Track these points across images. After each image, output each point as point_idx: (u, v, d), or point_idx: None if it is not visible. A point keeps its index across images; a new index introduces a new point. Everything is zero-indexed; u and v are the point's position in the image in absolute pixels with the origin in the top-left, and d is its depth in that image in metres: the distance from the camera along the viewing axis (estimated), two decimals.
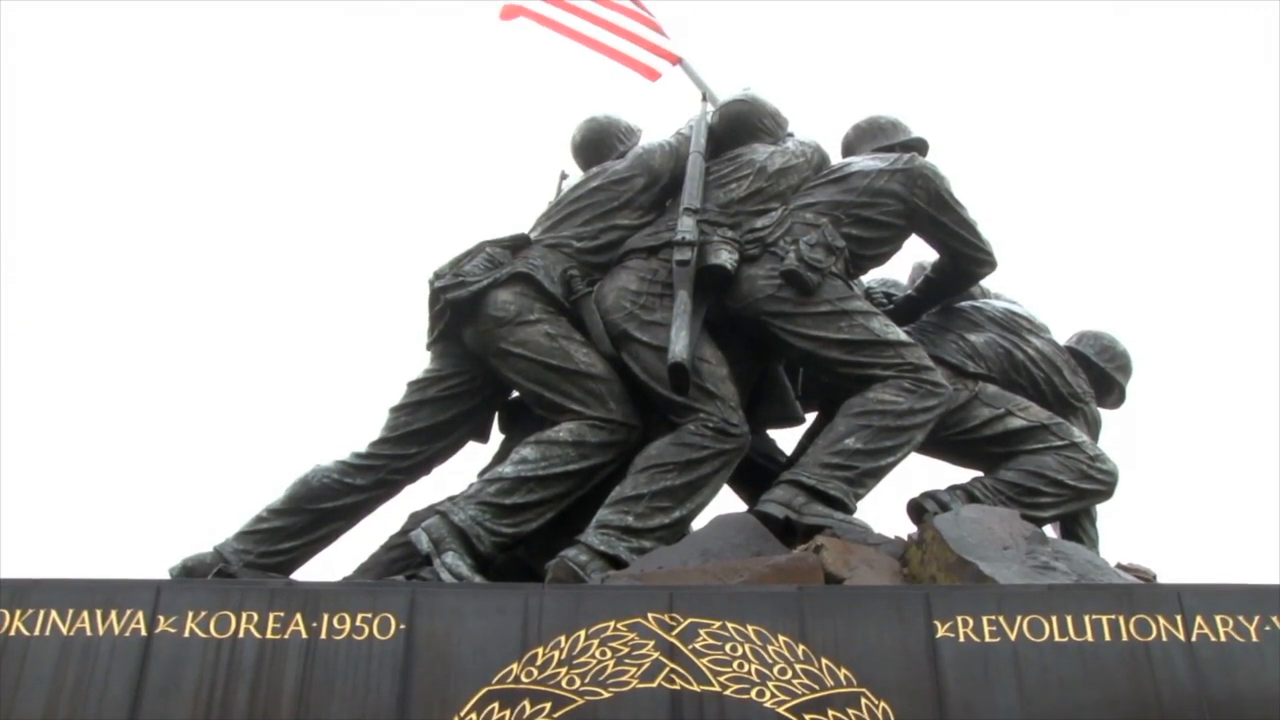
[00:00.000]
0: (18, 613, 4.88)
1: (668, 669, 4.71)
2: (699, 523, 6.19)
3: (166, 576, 6.15)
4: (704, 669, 4.71)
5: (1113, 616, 4.82)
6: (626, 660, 4.73)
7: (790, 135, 7.52)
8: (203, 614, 4.87)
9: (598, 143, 7.50)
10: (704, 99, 8.09)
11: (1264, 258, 16.51)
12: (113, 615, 4.87)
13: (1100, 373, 7.45)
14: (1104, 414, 7.40)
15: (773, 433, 7.36)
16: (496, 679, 4.71)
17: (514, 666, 4.73)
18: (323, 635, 4.82)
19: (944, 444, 6.78)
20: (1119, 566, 6.14)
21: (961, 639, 4.76)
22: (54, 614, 4.88)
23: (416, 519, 6.48)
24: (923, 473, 7.02)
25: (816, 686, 4.67)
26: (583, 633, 4.77)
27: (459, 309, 6.52)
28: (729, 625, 4.80)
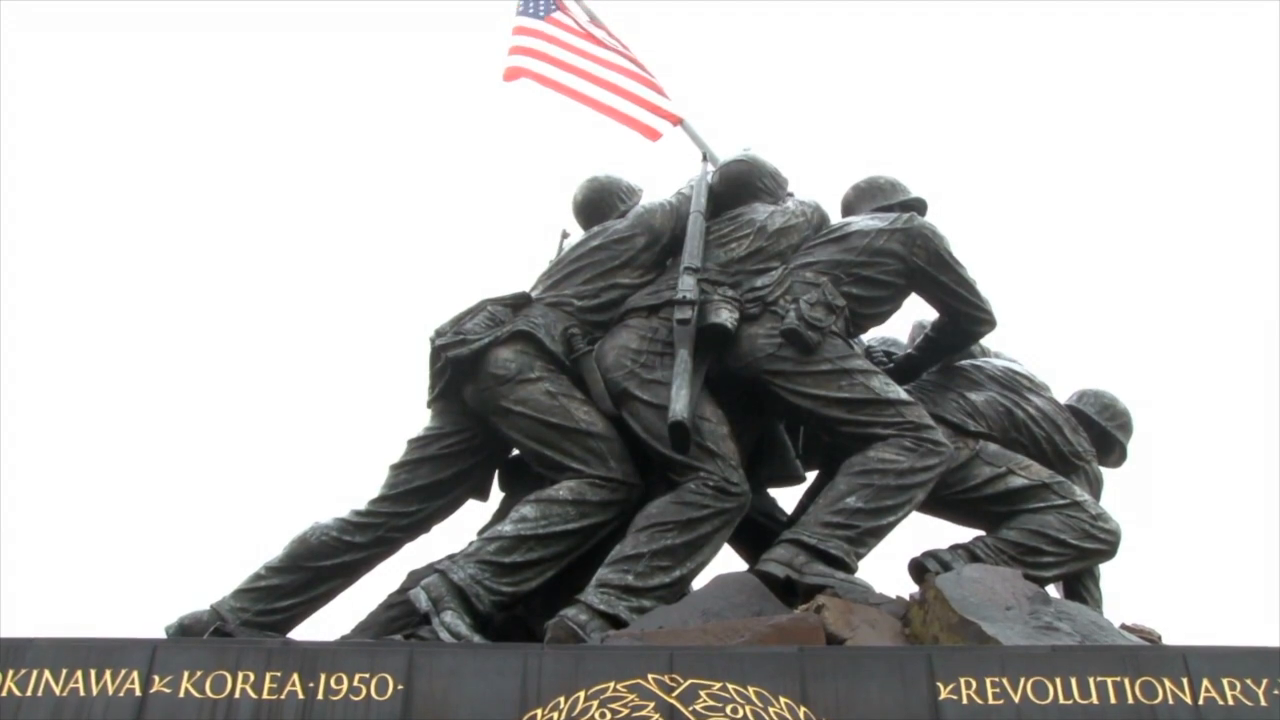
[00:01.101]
0: (10, 672, 4.83)
1: None
2: (699, 582, 6.14)
3: (162, 635, 6.11)
4: None
5: (1118, 679, 4.76)
6: None
7: (790, 195, 7.60)
8: (198, 674, 4.82)
9: (599, 202, 7.56)
10: (704, 159, 8.17)
11: (1264, 316, 16.55)
12: (107, 675, 4.82)
13: (1101, 431, 7.44)
14: (1106, 473, 7.38)
15: (773, 491, 7.34)
16: None
17: None
18: (320, 695, 4.77)
19: (945, 503, 6.75)
20: (1123, 627, 6.08)
21: (965, 701, 4.71)
22: (47, 674, 4.83)
23: (415, 577, 6.44)
24: (924, 532, 6.99)
25: None
26: (582, 694, 4.71)
27: (460, 366, 6.53)
28: (730, 687, 4.75)
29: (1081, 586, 6.88)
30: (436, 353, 6.65)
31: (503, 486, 6.98)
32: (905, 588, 6.26)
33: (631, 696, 4.73)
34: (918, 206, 7.44)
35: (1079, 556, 6.62)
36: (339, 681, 4.80)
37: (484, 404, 6.49)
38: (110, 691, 4.79)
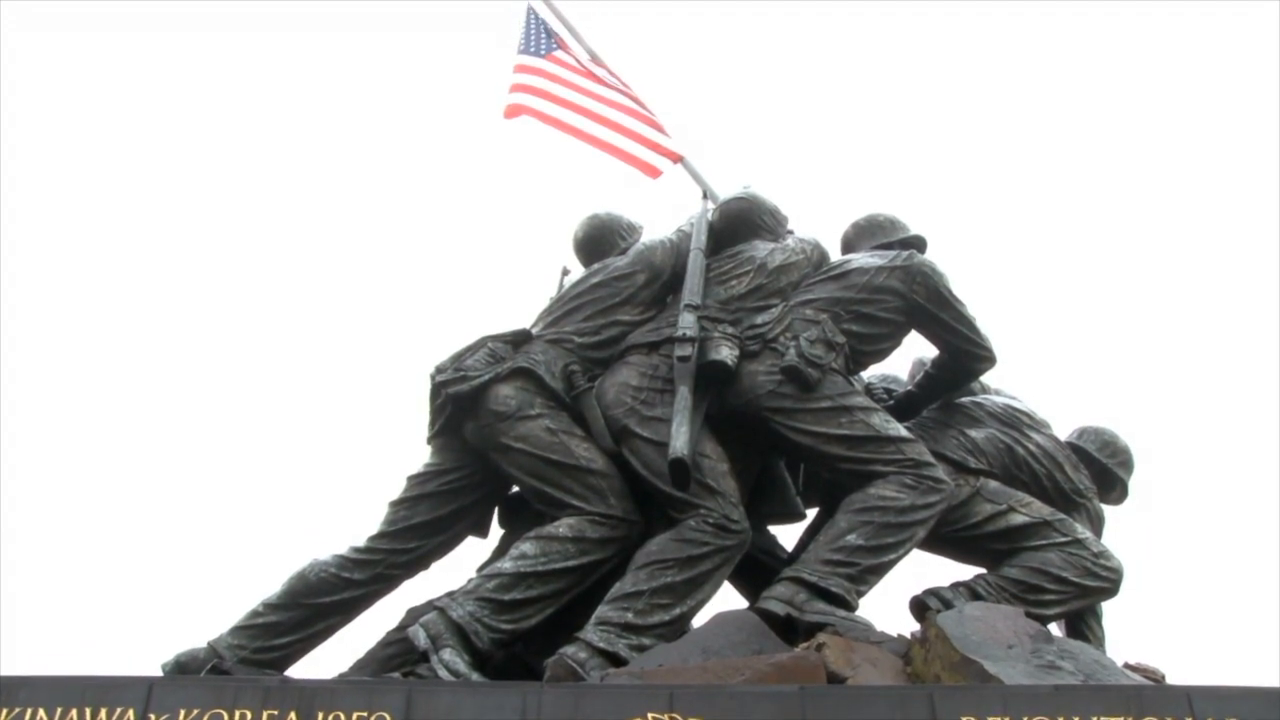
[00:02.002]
0: (4, 711, 4.81)
1: None
2: (700, 620, 6.11)
3: (159, 673, 6.07)
4: None
5: (1121, 719, 4.73)
6: None
7: (790, 232, 7.63)
8: (195, 711, 4.79)
9: (600, 239, 7.59)
10: (704, 196, 8.21)
11: (1270, 351, 16.56)
12: (103, 713, 4.79)
13: (1102, 468, 7.42)
14: (1107, 510, 7.36)
15: (774, 529, 7.31)
16: None
17: None
18: None
19: (946, 540, 6.73)
20: (1126, 666, 6.04)
21: None
22: (42, 712, 4.81)
23: (414, 614, 6.40)
24: (926, 569, 6.96)
25: None
26: None
27: (460, 403, 6.53)
28: None
29: (1084, 625, 6.84)
30: (437, 389, 6.66)
31: (502, 523, 6.96)
32: (906, 626, 6.23)
33: None
34: (917, 244, 7.46)
35: (1081, 594, 6.59)
36: (337, 719, 4.77)
37: (484, 440, 6.49)
38: None
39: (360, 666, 6.40)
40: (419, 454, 6.84)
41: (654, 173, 9.01)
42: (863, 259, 7.16)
